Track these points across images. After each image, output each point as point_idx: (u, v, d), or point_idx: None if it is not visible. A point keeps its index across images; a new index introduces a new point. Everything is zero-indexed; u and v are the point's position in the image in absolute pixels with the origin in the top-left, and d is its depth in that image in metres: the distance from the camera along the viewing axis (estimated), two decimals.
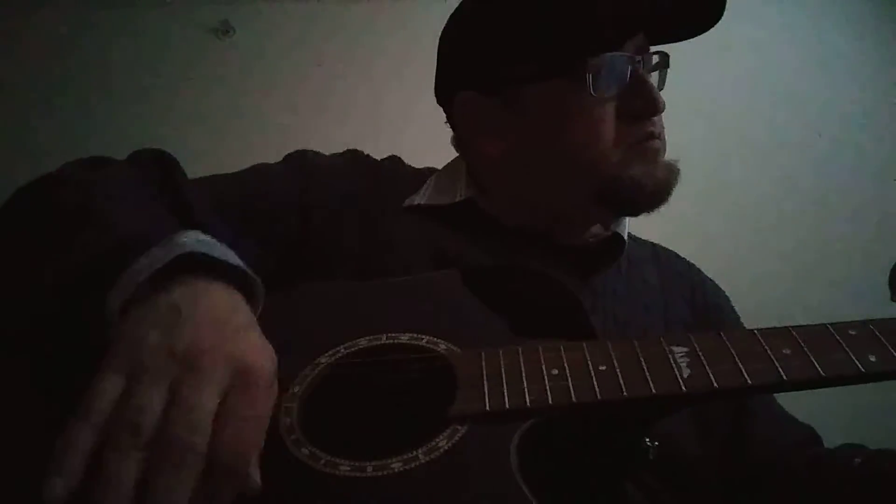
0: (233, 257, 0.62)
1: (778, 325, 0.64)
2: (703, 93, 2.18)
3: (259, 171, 0.94)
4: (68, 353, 0.59)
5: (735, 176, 2.29)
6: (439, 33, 0.97)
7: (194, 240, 0.60)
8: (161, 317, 0.54)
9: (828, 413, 1.11)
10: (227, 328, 0.55)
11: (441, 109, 0.98)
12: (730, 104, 2.36)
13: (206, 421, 0.49)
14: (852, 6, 2.50)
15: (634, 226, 0.98)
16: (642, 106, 0.84)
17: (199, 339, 0.52)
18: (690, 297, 0.95)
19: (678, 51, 0.90)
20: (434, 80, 0.97)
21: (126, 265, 0.57)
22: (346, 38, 2.33)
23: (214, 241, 0.62)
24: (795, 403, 0.86)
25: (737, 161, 2.31)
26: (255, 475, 0.51)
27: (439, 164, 1.04)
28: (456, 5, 0.95)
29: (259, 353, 0.55)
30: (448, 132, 0.99)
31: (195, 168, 0.86)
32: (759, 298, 1.10)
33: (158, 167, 0.81)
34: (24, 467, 0.61)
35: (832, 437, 0.91)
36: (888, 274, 0.71)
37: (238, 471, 0.50)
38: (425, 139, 1.26)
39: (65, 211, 0.68)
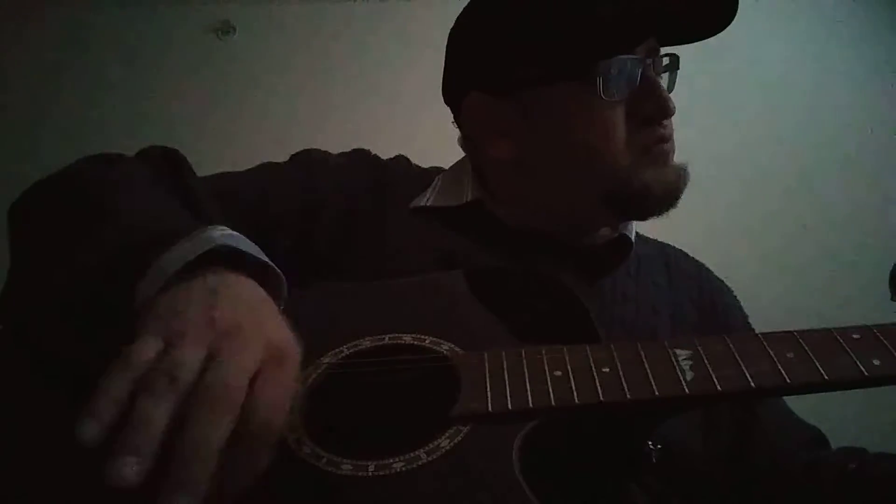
0: (259, 252, 0.64)
1: (775, 324, 0.63)
2: (702, 93, 2.18)
3: (266, 169, 0.94)
4: (88, 348, 0.60)
5: (733, 175, 2.28)
6: (442, 33, 0.96)
7: (222, 234, 0.62)
8: (199, 295, 0.55)
9: (836, 414, 1.10)
10: (260, 313, 0.56)
11: (445, 109, 0.97)
12: (727, 105, 2.36)
13: (244, 377, 0.50)
14: (852, 6, 2.51)
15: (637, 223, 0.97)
16: (653, 109, 0.83)
17: (237, 315, 0.53)
18: (699, 299, 0.94)
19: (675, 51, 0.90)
20: (441, 80, 0.96)
21: (156, 257, 0.58)
22: (347, 38, 2.33)
23: (241, 236, 0.63)
24: (802, 403, 0.86)
25: (735, 160, 2.31)
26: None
27: (440, 164, 1.03)
28: (459, 6, 0.94)
29: (290, 340, 0.56)
30: (451, 132, 0.98)
31: (196, 168, 0.86)
32: (756, 298, 1.09)
33: (168, 165, 0.82)
34: (34, 460, 0.62)
35: (841, 439, 0.91)
36: (888, 273, 0.72)
37: (273, 427, 0.50)
38: (428, 139, 1.27)
39: (88, 207, 0.69)
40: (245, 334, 0.52)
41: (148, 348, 0.50)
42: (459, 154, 1.01)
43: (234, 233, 0.63)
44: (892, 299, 0.70)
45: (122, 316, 0.57)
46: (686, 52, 0.89)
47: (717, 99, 2.31)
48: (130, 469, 0.44)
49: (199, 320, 0.52)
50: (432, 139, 1.17)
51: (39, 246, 0.70)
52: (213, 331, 0.52)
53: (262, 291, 0.60)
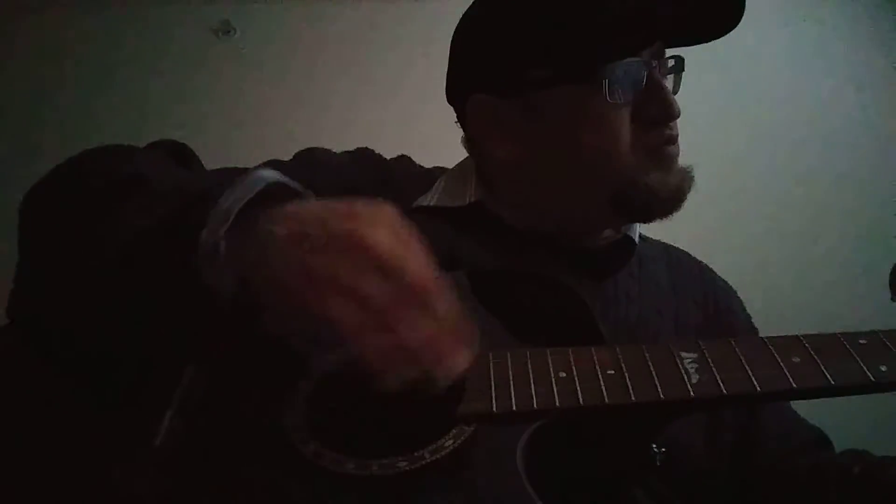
0: (300, 187, 0.65)
1: (776, 325, 0.63)
2: (703, 95, 2.17)
3: (268, 166, 0.93)
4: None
5: (732, 176, 2.28)
6: (443, 33, 0.96)
7: (265, 174, 0.63)
8: (291, 248, 0.55)
9: (839, 417, 1.10)
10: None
11: (445, 109, 0.97)
12: (729, 107, 2.36)
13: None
14: (852, 6, 2.51)
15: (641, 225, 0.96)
16: (658, 112, 0.83)
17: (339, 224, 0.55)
18: (702, 301, 0.94)
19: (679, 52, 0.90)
20: (443, 79, 0.96)
21: (212, 205, 0.59)
22: (347, 38, 2.33)
23: (280, 173, 0.65)
24: (804, 404, 0.85)
25: (736, 163, 2.31)
26: None
27: (440, 164, 1.03)
28: (459, 5, 0.94)
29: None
30: (451, 132, 0.98)
31: None
32: (757, 299, 1.09)
33: (177, 155, 0.82)
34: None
35: (844, 441, 0.91)
36: (888, 274, 0.72)
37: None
38: (428, 139, 1.26)
39: (119, 182, 0.68)
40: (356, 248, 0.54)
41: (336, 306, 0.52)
42: (459, 155, 1.00)
43: (274, 172, 0.64)
44: (893, 300, 0.70)
45: (188, 275, 0.57)
46: (689, 54, 0.89)
47: (719, 101, 2.30)
48: None
49: (327, 264, 0.53)
50: (432, 139, 1.17)
51: (71, 227, 0.68)
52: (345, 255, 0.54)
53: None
